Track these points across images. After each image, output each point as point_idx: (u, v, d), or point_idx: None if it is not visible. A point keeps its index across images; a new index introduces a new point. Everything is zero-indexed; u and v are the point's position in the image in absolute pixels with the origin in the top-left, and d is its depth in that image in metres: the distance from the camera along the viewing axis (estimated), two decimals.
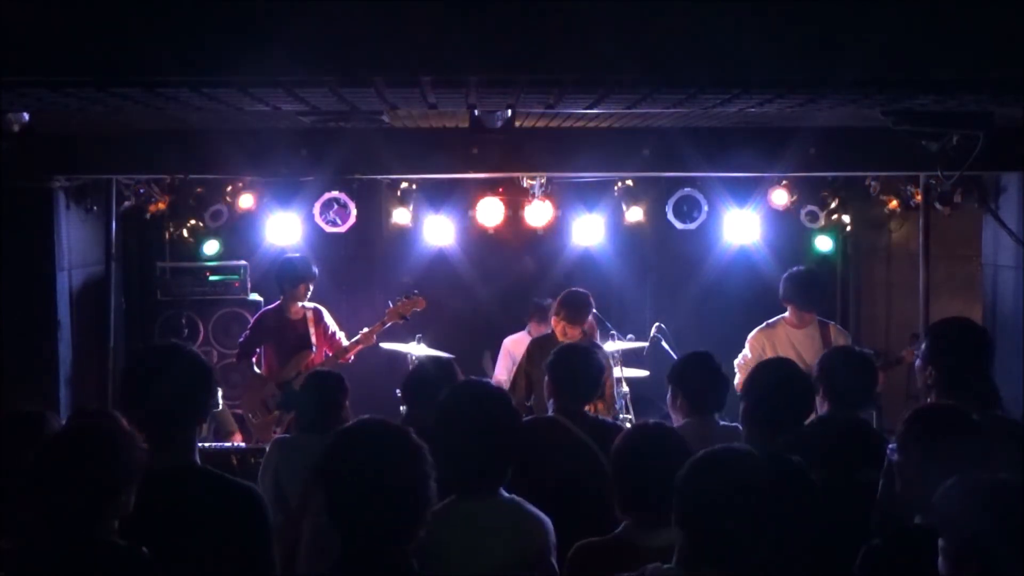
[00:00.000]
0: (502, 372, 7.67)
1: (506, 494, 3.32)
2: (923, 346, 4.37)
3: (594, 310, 6.99)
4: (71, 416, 4.04)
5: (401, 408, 5.13)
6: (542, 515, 3.33)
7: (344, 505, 2.63)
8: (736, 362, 6.63)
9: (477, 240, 8.64)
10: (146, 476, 3.01)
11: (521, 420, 3.47)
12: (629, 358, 7.30)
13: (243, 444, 7.01)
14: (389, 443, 2.67)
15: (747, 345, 6.62)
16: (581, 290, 6.56)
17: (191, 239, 8.24)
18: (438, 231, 8.15)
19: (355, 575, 2.64)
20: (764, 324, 6.64)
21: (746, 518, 2.60)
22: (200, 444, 3.28)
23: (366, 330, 7.16)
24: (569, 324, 6.34)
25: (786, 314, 6.59)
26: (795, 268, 6.70)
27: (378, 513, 2.59)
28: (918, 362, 4.35)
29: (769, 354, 6.52)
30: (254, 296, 8.25)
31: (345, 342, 7.20)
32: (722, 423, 4.52)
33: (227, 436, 7.39)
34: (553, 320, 6.49)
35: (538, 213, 7.93)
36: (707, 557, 2.63)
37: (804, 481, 3.66)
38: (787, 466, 3.75)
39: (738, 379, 6.58)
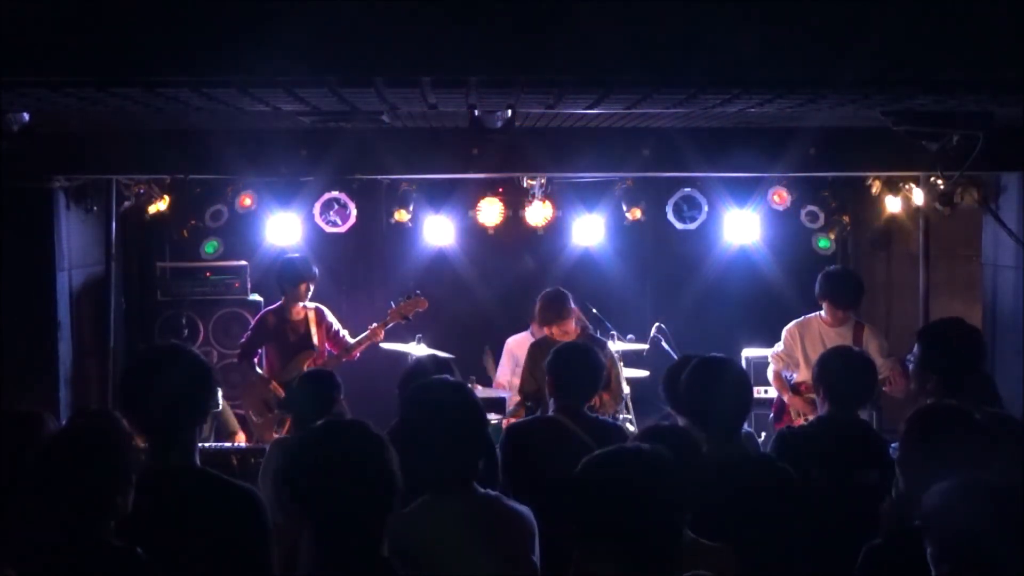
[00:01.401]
0: (505, 372, 7.67)
1: (481, 489, 3.31)
2: (916, 350, 4.36)
3: (594, 310, 7.01)
4: (71, 416, 4.04)
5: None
6: (522, 508, 3.32)
7: (306, 502, 2.63)
8: (770, 353, 6.76)
9: (477, 240, 8.63)
10: (146, 477, 3.01)
11: (484, 412, 3.46)
12: (629, 358, 7.30)
13: (243, 444, 7.01)
14: (347, 437, 2.67)
15: (781, 337, 6.66)
16: (555, 289, 6.65)
17: (191, 239, 8.23)
18: (438, 231, 8.15)
19: (330, 571, 2.64)
20: (801, 318, 6.69)
21: (639, 514, 2.60)
22: (200, 444, 3.28)
23: (370, 330, 7.18)
24: (549, 325, 6.39)
25: (822, 311, 6.61)
26: (833, 267, 6.82)
27: (340, 507, 2.59)
28: (912, 365, 4.35)
29: (798, 348, 6.59)
30: (254, 296, 8.24)
31: (350, 339, 7.21)
32: None
33: (229, 436, 7.39)
34: (543, 328, 6.55)
35: (538, 213, 7.93)
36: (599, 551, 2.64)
37: (747, 480, 3.67)
38: (746, 466, 3.77)
39: (771, 369, 6.64)
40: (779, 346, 6.68)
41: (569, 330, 6.45)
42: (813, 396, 6.29)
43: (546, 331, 6.55)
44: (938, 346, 4.29)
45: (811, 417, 6.19)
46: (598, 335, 6.65)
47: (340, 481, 2.59)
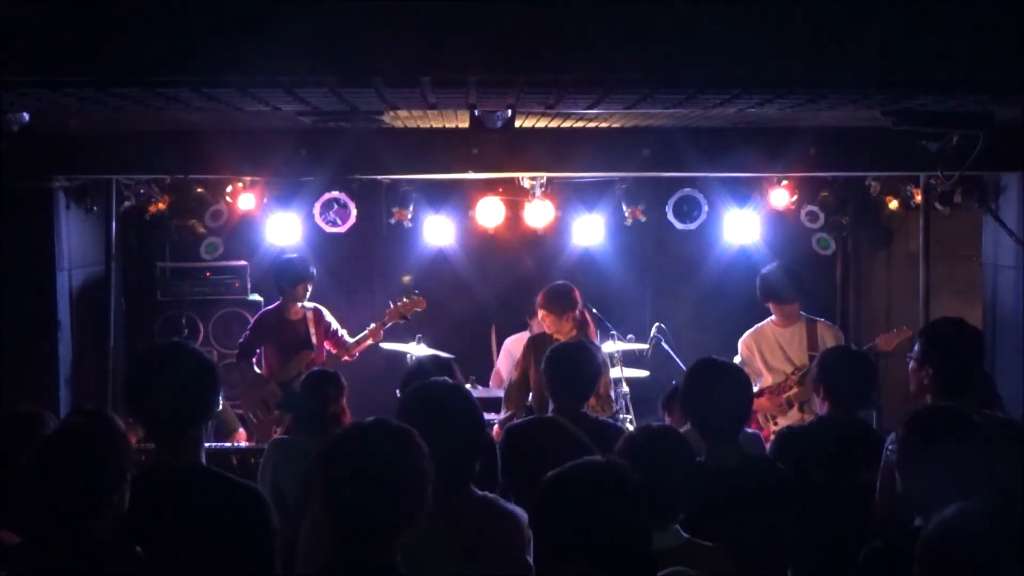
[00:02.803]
0: (503, 371, 7.68)
1: (478, 492, 3.30)
2: (916, 347, 4.35)
3: (594, 310, 7.00)
4: (67, 415, 4.05)
5: None
6: (517, 510, 3.31)
7: (339, 501, 2.61)
8: None
9: (477, 240, 8.63)
10: (152, 476, 3.01)
11: (482, 414, 3.45)
12: (629, 358, 7.29)
13: (243, 444, 7.00)
14: (391, 442, 2.65)
15: (738, 350, 6.64)
16: (566, 283, 6.66)
17: (191, 239, 8.23)
18: (438, 231, 8.15)
19: (340, 571, 2.63)
20: (753, 327, 6.67)
21: (599, 524, 2.57)
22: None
23: (369, 330, 7.18)
24: (550, 314, 6.41)
25: (772, 316, 6.60)
26: (765, 268, 6.70)
27: (373, 511, 2.58)
28: (912, 364, 4.34)
29: (757, 356, 6.55)
30: (254, 296, 8.25)
31: (348, 339, 7.21)
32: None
33: (229, 435, 7.39)
34: (540, 316, 6.53)
35: (538, 213, 7.93)
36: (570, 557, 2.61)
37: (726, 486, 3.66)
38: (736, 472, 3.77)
39: None
40: (738, 359, 6.59)
41: (563, 329, 6.46)
42: (778, 399, 6.34)
43: (541, 317, 6.55)
44: (938, 343, 4.28)
45: (781, 420, 6.23)
46: (592, 339, 6.64)
47: (374, 487, 2.58)
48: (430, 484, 2.66)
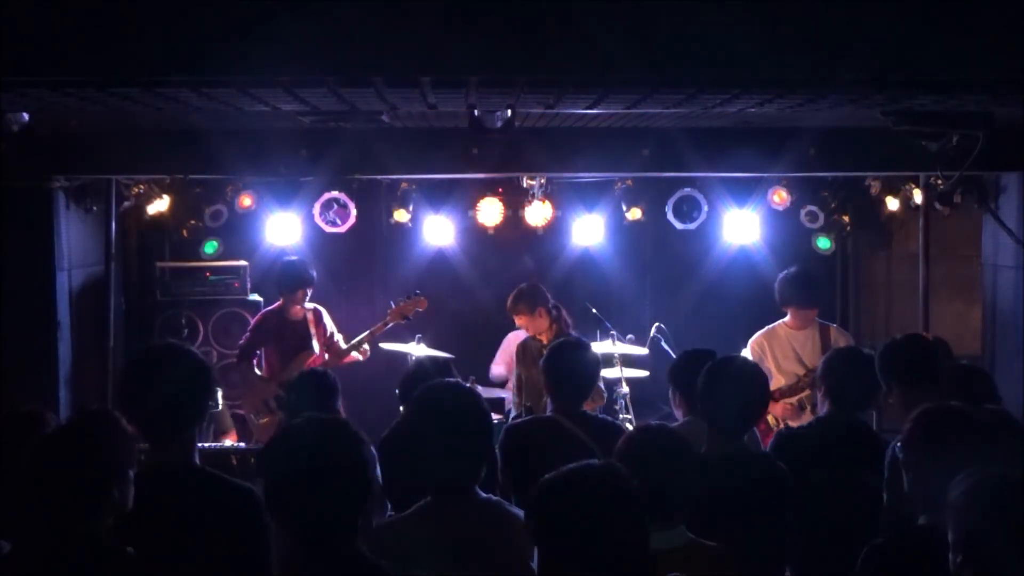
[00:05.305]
0: (500, 366, 7.72)
1: (483, 494, 3.30)
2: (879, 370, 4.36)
3: (594, 310, 7.03)
4: (70, 415, 4.04)
5: (400, 408, 5.13)
6: (521, 514, 3.31)
7: (281, 501, 2.64)
8: None
9: (477, 240, 8.63)
10: (145, 476, 3.00)
11: (491, 418, 3.45)
12: (628, 358, 7.29)
13: (243, 444, 7.00)
14: (321, 435, 2.67)
15: (748, 349, 6.62)
16: (531, 283, 7.16)
17: (191, 239, 8.23)
18: (438, 231, 8.15)
19: (306, 569, 2.64)
20: (765, 328, 6.65)
21: (604, 531, 2.53)
22: (200, 444, 3.27)
23: (369, 331, 7.18)
24: (522, 314, 6.86)
25: (786, 318, 6.59)
26: (788, 270, 6.70)
27: (314, 504, 2.60)
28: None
29: (768, 357, 6.53)
30: (254, 296, 8.24)
31: (343, 345, 7.20)
32: None
33: (225, 432, 7.38)
34: (516, 320, 6.92)
35: (538, 213, 7.94)
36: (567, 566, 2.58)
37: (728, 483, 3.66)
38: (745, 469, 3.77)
39: None
40: (747, 356, 6.60)
41: (539, 327, 6.77)
42: (790, 401, 6.34)
43: (516, 321, 6.92)
44: (890, 359, 4.33)
45: (791, 421, 6.22)
46: (574, 334, 6.71)
47: (304, 478, 2.60)
48: (370, 466, 2.67)
